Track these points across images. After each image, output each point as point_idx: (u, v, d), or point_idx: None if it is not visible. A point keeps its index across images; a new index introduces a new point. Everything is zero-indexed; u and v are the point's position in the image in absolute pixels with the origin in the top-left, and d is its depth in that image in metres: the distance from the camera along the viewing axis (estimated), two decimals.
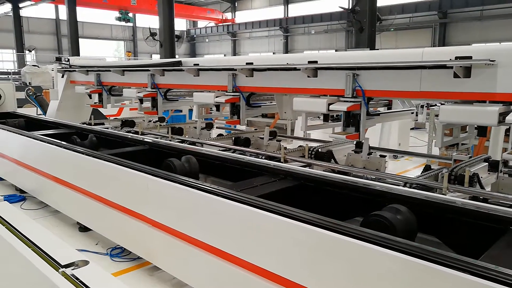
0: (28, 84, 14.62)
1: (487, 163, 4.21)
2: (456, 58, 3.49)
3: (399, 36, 25.88)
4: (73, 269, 1.80)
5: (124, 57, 33.11)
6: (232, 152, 5.60)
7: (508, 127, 3.88)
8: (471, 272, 1.75)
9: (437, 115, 4.44)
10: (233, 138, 6.30)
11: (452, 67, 3.45)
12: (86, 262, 1.87)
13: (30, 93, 9.99)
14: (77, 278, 1.73)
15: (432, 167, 4.44)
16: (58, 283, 1.71)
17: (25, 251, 2.01)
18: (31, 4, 26.50)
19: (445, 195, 3.51)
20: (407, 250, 1.95)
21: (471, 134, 4.69)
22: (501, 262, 1.83)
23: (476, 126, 4.35)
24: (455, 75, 3.47)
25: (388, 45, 23.36)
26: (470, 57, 3.43)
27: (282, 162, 4.66)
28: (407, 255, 1.93)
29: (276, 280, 2.44)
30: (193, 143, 5.80)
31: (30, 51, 27.86)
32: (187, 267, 3.17)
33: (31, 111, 9.99)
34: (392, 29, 24.10)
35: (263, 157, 4.93)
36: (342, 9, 16.66)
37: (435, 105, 8.39)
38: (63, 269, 1.81)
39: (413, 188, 3.64)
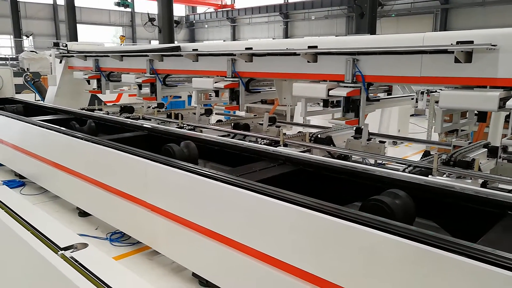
0: (26, 70, 14.54)
1: (486, 149, 4.21)
2: (457, 43, 3.46)
3: (400, 22, 25.65)
4: (72, 252, 1.81)
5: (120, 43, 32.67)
6: (233, 136, 5.60)
7: (508, 112, 3.87)
8: (468, 255, 1.76)
9: (437, 101, 4.43)
10: (232, 124, 6.29)
11: (453, 52, 3.42)
12: (85, 245, 1.87)
13: (28, 79, 9.93)
14: (76, 261, 1.74)
15: (431, 153, 4.44)
16: (57, 265, 1.71)
17: (24, 234, 2.02)
18: None
19: (434, 175, 3.54)
20: (405, 234, 1.96)
21: (471, 120, 4.68)
22: (499, 246, 1.84)
23: (476, 111, 4.34)
24: (456, 60, 3.44)
25: (389, 31, 23.15)
26: (471, 42, 3.40)
27: (281, 146, 4.67)
28: (405, 239, 1.93)
29: (275, 264, 2.45)
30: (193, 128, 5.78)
31: (27, 36, 27.59)
32: (186, 252, 3.19)
33: (29, 97, 9.92)
34: (393, 15, 23.88)
35: (263, 142, 4.93)
36: None
37: (435, 91, 8.36)
38: (62, 251, 1.81)
39: (407, 169, 3.66)
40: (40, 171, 5.18)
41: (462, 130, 5.05)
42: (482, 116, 4.03)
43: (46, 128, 4.89)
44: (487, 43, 3.28)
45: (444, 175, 3.63)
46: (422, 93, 9.74)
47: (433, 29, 24.81)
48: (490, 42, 3.28)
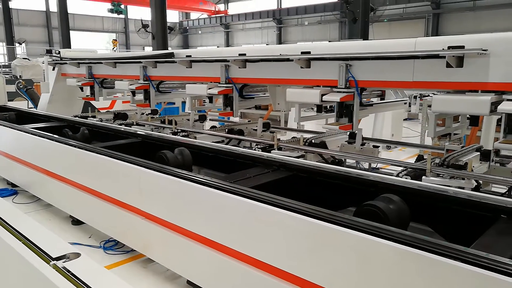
0: (18, 77, 14.45)
1: (479, 153, 4.23)
2: (449, 47, 3.50)
3: (392, 27, 25.86)
4: (64, 262, 1.79)
5: (112, 47, 32.46)
6: (227, 142, 5.60)
7: (499, 116, 3.90)
8: (462, 259, 1.76)
9: (430, 106, 4.46)
10: (226, 130, 6.29)
11: (444, 57, 3.45)
12: (77, 255, 1.85)
13: (21, 86, 9.89)
14: (68, 271, 1.71)
15: (425, 158, 4.46)
16: (49, 275, 1.69)
17: (16, 244, 1.99)
18: None
19: (428, 176, 3.57)
20: (399, 239, 1.96)
21: (464, 124, 4.71)
22: (492, 250, 1.85)
23: (468, 115, 4.38)
24: (448, 65, 3.48)
25: (381, 36, 23.30)
26: (462, 47, 3.44)
27: (275, 150, 4.69)
28: (400, 244, 1.94)
29: (270, 270, 2.44)
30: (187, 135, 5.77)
31: (20, 43, 27.47)
32: (181, 259, 3.16)
33: (22, 104, 9.87)
34: (385, 20, 24.07)
35: (258, 146, 4.94)
36: (336, 0, 16.59)
37: (428, 95, 8.42)
38: (54, 261, 1.79)
39: (401, 174, 3.69)
40: (32, 179, 5.14)
41: (455, 134, 5.08)
42: (474, 120, 4.07)
43: (39, 136, 4.86)
44: (478, 48, 3.32)
45: (438, 176, 3.67)
46: (415, 97, 9.78)
47: (425, 33, 25.03)
48: (481, 47, 3.32)
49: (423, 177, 3.73)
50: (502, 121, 3.46)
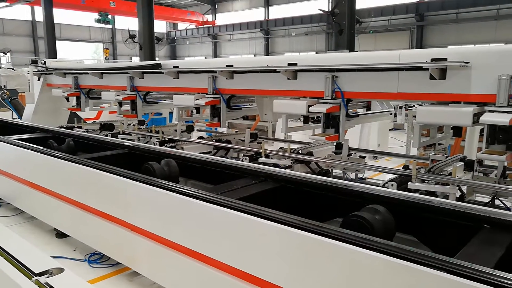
0: (3, 87, 14.24)
1: (463, 163, 4.31)
2: (432, 60, 3.57)
3: (378, 39, 26.29)
4: (47, 277, 1.75)
5: (103, 57, 32.30)
6: (214, 153, 5.59)
7: (482, 127, 3.98)
8: (446, 270, 1.78)
9: (415, 116, 4.54)
10: (214, 140, 6.28)
11: (428, 69, 3.52)
12: (61, 270, 1.82)
13: (5, 97, 9.75)
14: (51, 287, 1.68)
15: (410, 167, 4.52)
16: None
17: None
18: (6, 6, 25.77)
19: (414, 182, 3.63)
20: (385, 250, 1.97)
21: (448, 135, 4.79)
22: (475, 260, 1.88)
23: (452, 126, 4.45)
24: (431, 77, 3.55)
25: (367, 47, 23.68)
26: (445, 59, 3.51)
27: (263, 158, 4.71)
28: (385, 255, 1.95)
29: (257, 283, 2.43)
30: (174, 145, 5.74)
31: (5, 53, 27.07)
32: (167, 272, 3.13)
33: (6, 115, 9.73)
34: (371, 32, 24.45)
35: (245, 154, 4.96)
36: (322, 12, 16.83)
37: (413, 106, 8.54)
38: (37, 277, 1.75)
39: (387, 184, 3.75)
40: (16, 192, 5.04)
41: (439, 144, 5.16)
42: (458, 131, 4.14)
43: (23, 147, 4.78)
44: (460, 61, 3.39)
45: (424, 182, 3.74)
46: (401, 107, 9.91)
47: (409, 44, 25.49)
48: (463, 59, 3.40)
49: (409, 183, 3.78)
50: (485, 132, 3.53)
